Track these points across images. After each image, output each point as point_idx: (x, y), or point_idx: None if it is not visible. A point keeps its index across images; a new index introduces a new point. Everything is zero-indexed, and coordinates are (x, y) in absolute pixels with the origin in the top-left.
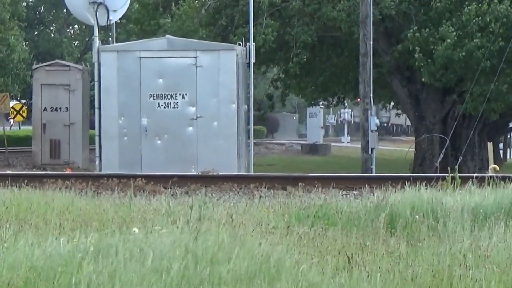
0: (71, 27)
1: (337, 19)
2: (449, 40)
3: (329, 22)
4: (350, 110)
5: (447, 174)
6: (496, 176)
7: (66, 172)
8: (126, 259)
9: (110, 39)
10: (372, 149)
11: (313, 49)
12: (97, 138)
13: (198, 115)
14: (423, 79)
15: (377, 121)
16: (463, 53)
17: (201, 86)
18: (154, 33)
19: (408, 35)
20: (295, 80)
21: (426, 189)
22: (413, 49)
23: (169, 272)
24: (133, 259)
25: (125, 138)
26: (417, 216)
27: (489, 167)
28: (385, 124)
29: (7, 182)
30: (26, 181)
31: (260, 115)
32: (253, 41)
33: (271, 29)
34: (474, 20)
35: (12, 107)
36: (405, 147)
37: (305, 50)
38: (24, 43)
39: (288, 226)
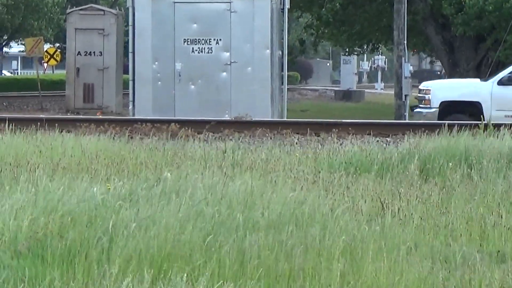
0: None
1: None
2: None
3: None
4: (384, 57)
5: (480, 122)
6: None
7: (100, 117)
8: (162, 204)
9: None
10: (405, 95)
11: None
12: (130, 83)
13: (232, 61)
14: (456, 33)
15: (411, 68)
16: (492, 6)
17: (235, 31)
18: None
19: None
20: (329, 27)
21: (460, 136)
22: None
23: (203, 217)
24: (168, 204)
25: (159, 83)
26: (450, 164)
27: None
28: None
29: (41, 126)
30: (59, 125)
31: (290, 59)
32: None
33: None
34: None
35: (46, 51)
36: None
37: None
38: None
39: (320, 172)
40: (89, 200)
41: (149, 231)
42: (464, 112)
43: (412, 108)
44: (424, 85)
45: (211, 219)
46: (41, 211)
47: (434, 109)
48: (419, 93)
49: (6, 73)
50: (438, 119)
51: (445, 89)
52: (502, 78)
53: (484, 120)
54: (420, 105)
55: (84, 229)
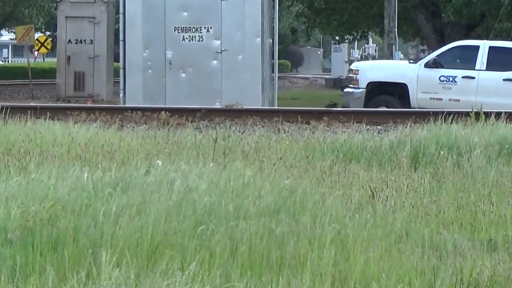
0: None
1: None
2: None
3: None
4: (375, 45)
5: (471, 110)
6: None
7: (90, 105)
8: (153, 192)
9: None
10: None
11: None
12: (121, 71)
13: (223, 49)
14: (447, 20)
15: (401, 56)
16: None
17: (226, 19)
18: None
19: None
20: (320, 16)
21: (451, 124)
22: None
23: (194, 204)
24: (159, 192)
25: (150, 71)
26: (441, 152)
27: None
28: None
29: (31, 114)
30: (50, 113)
31: (282, 48)
32: None
33: None
34: None
35: (37, 39)
36: None
37: None
38: None
39: (311, 160)
40: (80, 188)
41: (140, 219)
42: (391, 93)
43: (342, 88)
44: (353, 66)
45: (203, 208)
46: (32, 199)
47: (361, 89)
48: (348, 73)
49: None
50: (365, 100)
51: (373, 70)
52: (429, 61)
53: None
54: (350, 85)
55: (75, 217)
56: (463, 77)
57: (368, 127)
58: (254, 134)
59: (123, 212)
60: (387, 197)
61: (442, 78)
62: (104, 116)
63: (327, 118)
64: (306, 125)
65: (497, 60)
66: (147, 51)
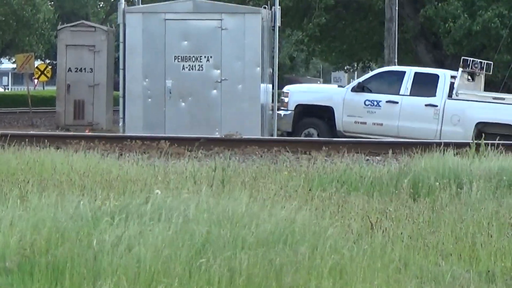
0: None
1: None
2: (462, 16)
3: None
4: None
5: (471, 141)
6: None
7: (90, 133)
8: (152, 221)
9: (136, 0)
10: None
11: (337, 13)
12: (121, 100)
13: (223, 78)
14: (447, 51)
15: None
16: (479, 26)
17: (226, 49)
18: None
19: (427, 9)
20: (320, 44)
21: (451, 155)
22: (435, 21)
23: (193, 234)
24: (157, 222)
25: (149, 99)
26: (438, 183)
27: None
28: None
29: (30, 142)
30: (49, 141)
31: (281, 77)
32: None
33: None
34: None
35: (37, 67)
36: None
37: (325, 11)
38: (49, 3)
39: (310, 190)
40: (78, 217)
41: (138, 249)
42: (319, 116)
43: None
44: (285, 88)
45: (200, 237)
46: (30, 227)
47: (290, 112)
48: (280, 96)
49: None
50: (294, 121)
51: (301, 93)
52: (355, 85)
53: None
54: (281, 108)
55: (73, 245)
56: (387, 101)
57: (367, 157)
58: (253, 163)
59: (122, 242)
60: (386, 228)
61: (367, 102)
62: (103, 144)
63: (327, 148)
64: (306, 155)
65: (421, 86)
66: (147, 80)
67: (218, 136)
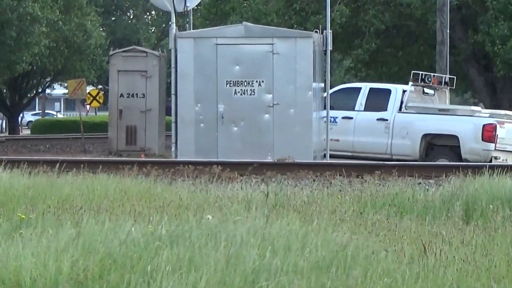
0: (148, 14)
1: (412, 5)
2: None
3: (405, 10)
4: None
5: None
6: None
7: (142, 159)
8: (201, 246)
9: (187, 25)
10: None
11: (387, 37)
12: (173, 125)
13: (275, 102)
14: (498, 74)
15: None
16: None
17: (278, 73)
18: (226, 16)
19: (480, 31)
20: (370, 69)
21: (503, 177)
22: (485, 44)
23: (244, 259)
24: (209, 247)
25: (201, 124)
26: (491, 206)
27: None
28: None
29: (83, 167)
30: (102, 167)
31: None
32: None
33: (339, 14)
34: None
35: (89, 93)
36: None
37: (376, 37)
38: (101, 28)
39: (362, 214)
40: (131, 242)
41: (190, 274)
42: None
43: None
44: None
45: (253, 263)
46: (82, 253)
47: None
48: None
49: (58, 115)
50: None
51: None
52: None
53: None
54: None
55: (126, 271)
56: (342, 117)
57: (419, 180)
58: (305, 188)
59: (174, 267)
60: (438, 251)
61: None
62: (156, 170)
63: (379, 172)
64: (358, 178)
65: (374, 101)
66: (199, 105)
67: (271, 160)
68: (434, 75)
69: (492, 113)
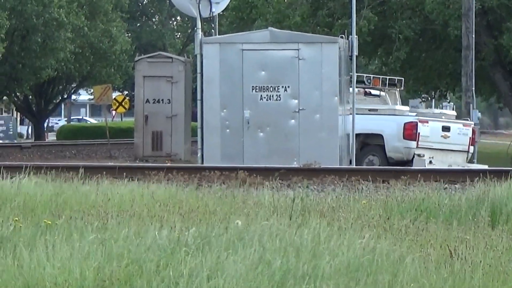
0: (173, 19)
1: (435, 12)
2: None
3: (431, 15)
4: (452, 103)
5: None
6: None
7: (168, 164)
8: (229, 252)
9: (213, 31)
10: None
11: (415, 43)
12: (199, 130)
13: (301, 108)
14: None
15: (479, 114)
16: None
17: (303, 78)
18: (253, 21)
19: (505, 35)
20: (397, 74)
21: None
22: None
23: (271, 265)
24: (235, 252)
25: (227, 130)
26: None
27: None
28: None
29: (110, 173)
30: (127, 173)
31: None
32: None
33: (366, 22)
34: None
35: (114, 99)
36: (507, 141)
37: (406, 45)
38: (127, 34)
39: (389, 219)
40: (157, 248)
41: (217, 280)
42: None
43: None
44: None
45: (280, 268)
46: (108, 259)
47: None
48: None
49: (92, 120)
50: None
51: None
52: None
53: None
54: None
55: (152, 277)
56: None
57: (445, 185)
58: (332, 193)
59: (200, 273)
60: (465, 256)
61: None
62: (182, 175)
63: (405, 177)
64: (384, 184)
65: None
66: (224, 110)
67: (297, 165)
68: (374, 77)
69: (423, 112)
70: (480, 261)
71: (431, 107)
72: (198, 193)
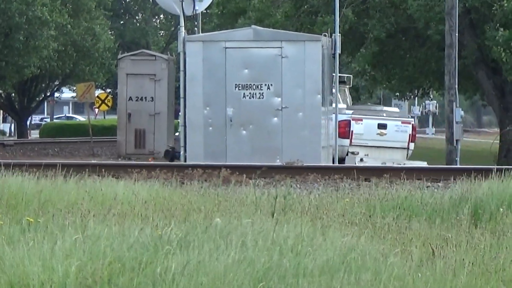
0: (157, 17)
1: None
2: None
3: (414, 15)
4: (435, 102)
5: None
6: None
7: (151, 162)
8: (211, 250)
9: (196, 29)
10: (457, 140)
11: (395, 39)
12: (181, 128)
13: (283, 106)
14: (508, 78)
15: (462, 113)
16: None
17: (286, 77)
18: (235, 16)
19: (487, 35)
20: (379, 71)
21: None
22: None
23: (253, 262)
24: (218, 250)
25: (210, 128)
26: (501, 209)
27: None
28: None
29: (92, 171)
30: (110, 170)
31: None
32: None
33: (344, 19)
34: None
35: (97, 96)
36: (490, 139)
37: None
38: (110, 32)
39: (371, 216)
40: (139, 246)
41: (199, 277)
42: None
43: None
44: None
45: (262, 265)
46: (90, 257)
47: None
48: None
49: (80, 118)
50: None
51: None
52: None
53: None
54: None
55: (134, 274)
56: None
57: (428, 183)
58: (314, 191)
59: (182, 270)
60: (447, 254)
61: None
62: (164, 173)
63: (388, 175)
64: (367, 182)
65: None
66: (207, 108)
67: (279, 163)
68: None
69: (362, 109)
70: (463, 260)
71: (413, 105)
72: (181, 190)
